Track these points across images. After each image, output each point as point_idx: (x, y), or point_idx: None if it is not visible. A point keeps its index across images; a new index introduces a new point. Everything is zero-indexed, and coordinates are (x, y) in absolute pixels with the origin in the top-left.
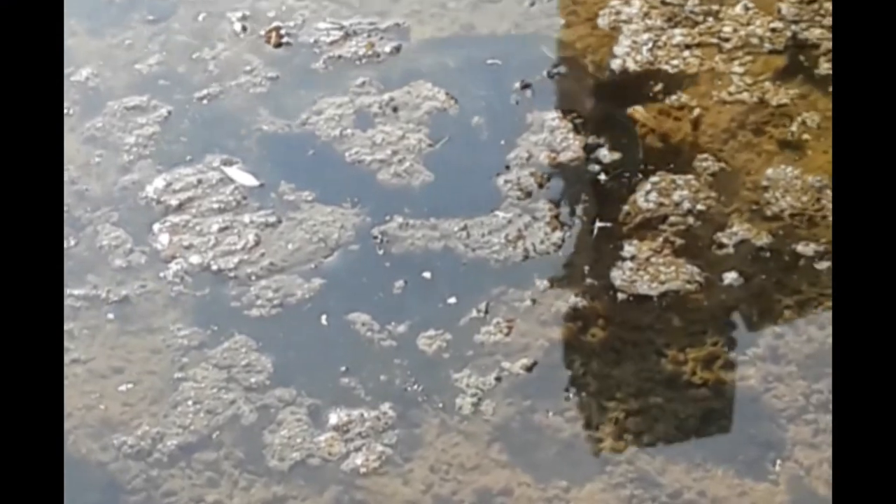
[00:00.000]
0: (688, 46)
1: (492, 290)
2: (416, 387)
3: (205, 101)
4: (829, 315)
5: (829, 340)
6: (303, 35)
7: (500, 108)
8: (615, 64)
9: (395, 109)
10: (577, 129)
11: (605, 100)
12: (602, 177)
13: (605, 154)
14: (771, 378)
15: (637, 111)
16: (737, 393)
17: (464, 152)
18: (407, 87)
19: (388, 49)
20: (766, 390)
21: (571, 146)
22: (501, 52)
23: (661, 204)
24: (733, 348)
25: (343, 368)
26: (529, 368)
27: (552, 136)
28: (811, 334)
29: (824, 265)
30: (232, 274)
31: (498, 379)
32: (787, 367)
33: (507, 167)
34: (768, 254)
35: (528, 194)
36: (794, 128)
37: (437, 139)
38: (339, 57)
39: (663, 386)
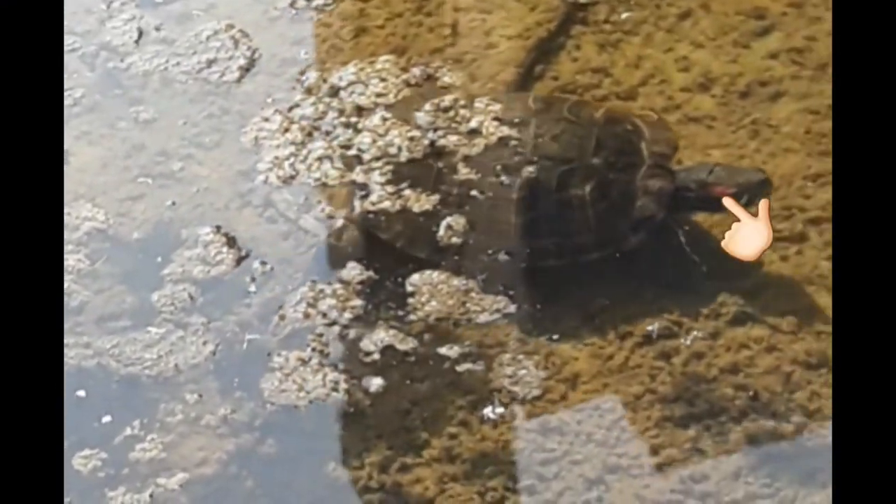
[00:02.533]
0: (328, 159)
1: (145, 406)
2: None
3: None
4: (493, 410)
5: (502, 437)
6: None
7: (155, 223)
8: (259, 178)
9: None
10: (230, 243)
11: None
12: (253, 289)
13: (256, 266)
14: (446, 478)
15: None
16: (413, 494)
17: (120, 269)
18: (67, 209)
19: None
20: (441, 491)
21: (225, 260)
22: None
23: (308, 315)
24: (409, 452)
25: None
26: (184, 485)
27: (206, 250)
28: (485, 433)
29: (466, 366)
30: None
31: (151, 496)
32: (462, 465)
33: (162, 282)
34: (413, 358)
35: (182, 309)
36: (441, 232)
37: (96, 258)
38: None
39: (341, 492)
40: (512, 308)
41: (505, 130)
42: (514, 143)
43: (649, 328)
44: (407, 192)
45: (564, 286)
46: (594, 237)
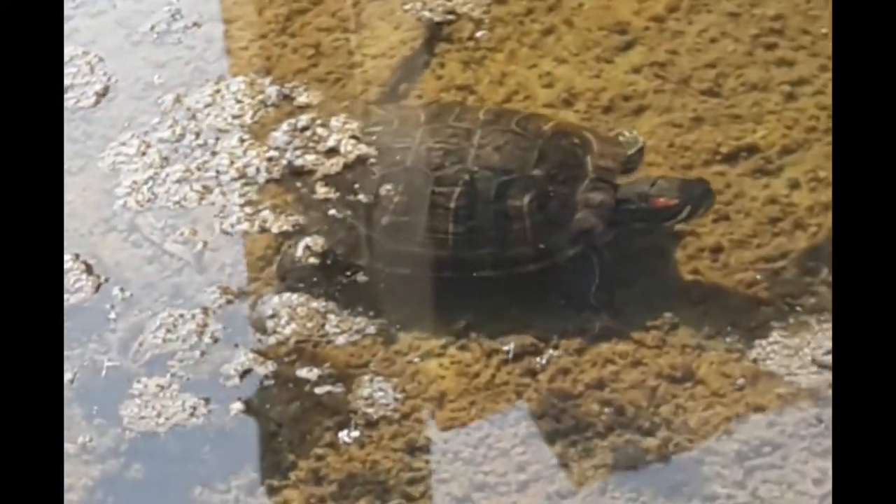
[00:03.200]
0: (186, 181)
1: None
2: None
3: None
4: (349, 433)
5: (370, 458)
6: None
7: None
8: (118, 204)
9: None
10: (88, 270)
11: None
12: (113, 315)
13: (116, 293)
14: (314, 500)
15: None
16: None
17: None
18: None
19: None
20: None
21: (84, 287)
22: None
23: (168, 339)
24: (275, 474)
25: None
26: None
27: (65, 278)
28: (353, 454)
29: (325, 388)
30: None
31: None
32: (329, 487)
33: None
34: (272, 381)
35: None
36: (299, 253)
37: None
38: None
39: None
40: (372, 329)
41: (363, 149)
42: (451, 153)
43: (505, 348)
44: (265, 213)
45: (428, 304)
46: (531, 249)
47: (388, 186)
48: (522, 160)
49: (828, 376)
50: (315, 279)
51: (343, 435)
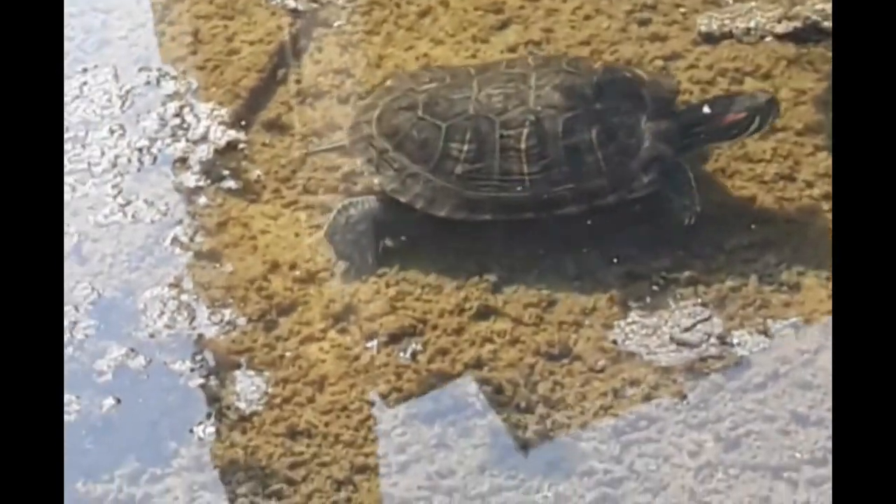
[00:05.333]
0: None
1: None
2: None
3: None
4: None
5: (251, 443)
6: None
7: None
8: None
9: None
10: None
11: None
12: None
13: None
14: (196, 487)
15: None
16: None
17: None
18: None
19: None
20: (191, 500)
21: None
22: None
23: None
24: (158, 462)
25: None
26: None
27: None
28: (234, 440)
29: (197, 381)
30: None
31: None
32: (212, 473)
33: None
34: (145, 376)
35: None
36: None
37: None
38: None
39: None
40: (242, 321)
41: (232, 134)
42: (512, 97)
43: (368, 345)
44: (139, 203)
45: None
46: (607, 180)
47: (456, 137)
48: (582, 96)
49: (687, 354)
50: (363, 241)
51: (198, 430)
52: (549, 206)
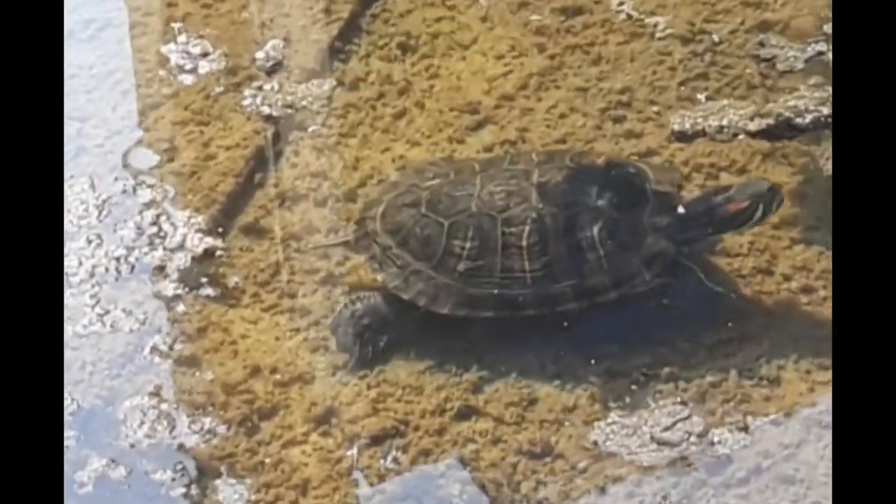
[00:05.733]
0: None
1: None
2: None
3: None
4: None
5: None
6: None
7: None
8: None
9: None
10: None
11: None
12: None
13: None
14: None
15: None
16: None
17: None
18: None
19: None
20: None
21: None
22: None
23: None
24: None
25: None
26: None
27: None
28: None
29: (179, 490)
30: None
31: None
32: None
33: None
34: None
35: None
36: None
37: None
38: None
39: None
40: (223, 427)
41: (209, 241)
42: (514, 194)
43: (349, 453)
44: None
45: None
46: (609, 277)
47: (459, 234)
48: (585, 192)
49: (668, 453)
50: (366, 335)
51: None
52: (550, 303)
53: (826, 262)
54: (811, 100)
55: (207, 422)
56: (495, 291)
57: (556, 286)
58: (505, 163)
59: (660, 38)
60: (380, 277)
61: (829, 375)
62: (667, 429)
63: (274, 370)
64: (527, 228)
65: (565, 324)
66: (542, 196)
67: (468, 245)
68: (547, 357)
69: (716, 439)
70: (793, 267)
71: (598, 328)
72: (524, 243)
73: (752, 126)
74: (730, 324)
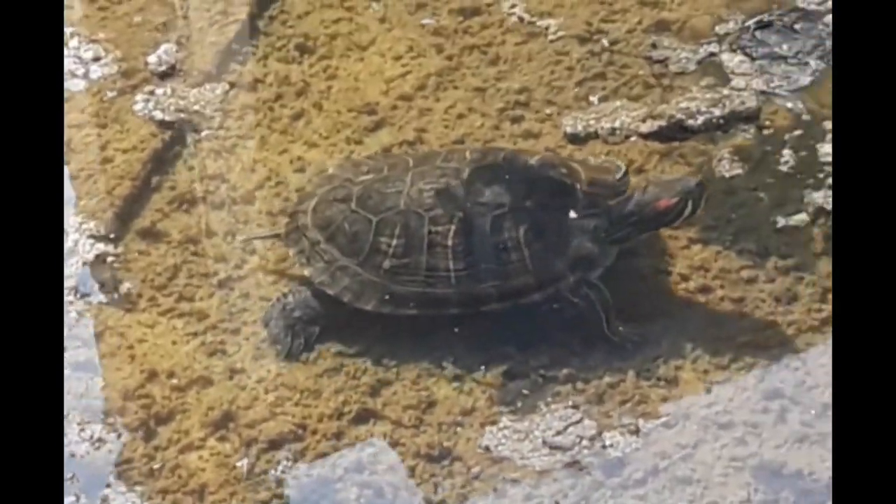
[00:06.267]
0: None
1: None
2: None
3: None
4: None
5: None
6: None
7: None
8: None
9: None
10: None
11: None
12: None
13: None
14: None
15: None
16: None
17: None
18: None
19: None
20: None
21: None
22: None
23: None
24: None
25: None
26: None
27: None
28: None
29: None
30: None
31: None
32: None
33: None
34: None
35: None
36: None
37: None
38: None
39: None
40: (118, 434)
41: (101, 247)
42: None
43: (238, 463)
44: None
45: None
46: (533, 278)
47: (386, 231)
48: (513, 193)
49: (560, 457)
50: (296, 328)
51: None
52: (474, 303)
53: (723, 262)
54: (703, 101)
55: (98, 429)
56: (420, 289)
57: (480, 286)
58: (438, 160)
59: (557, 39)
60: (306, 272)
61: (725, 375)
62: (558, 433)
63: (171, 374)
64: (453, 227)
65: (456, 329)
66: (470, 195)
67: (395, 242)
68: (446, 359)
69: (608, 442)
70: (690, 267)
71: (497, 330)
72: (450, 242)
73: (645, 128)
74: (630, 322)
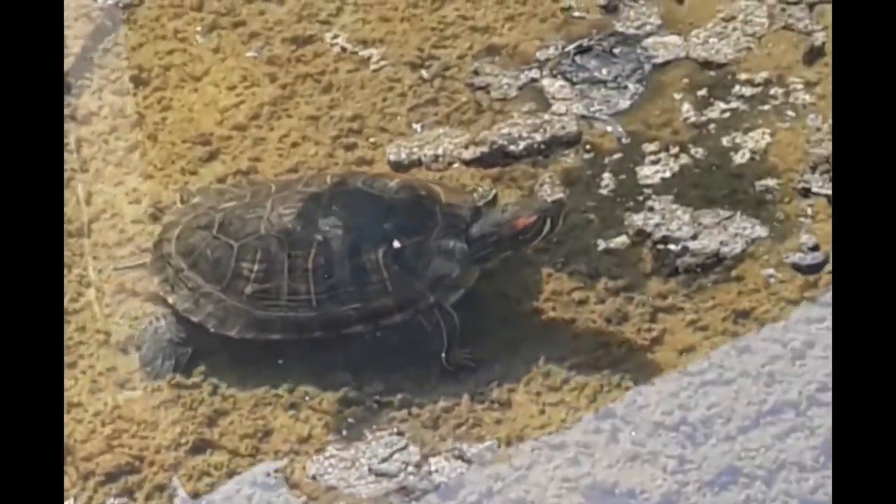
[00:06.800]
0: None
1: None
2: None
3: None
4: None
5: None
6: None
7: None
8: None
9: None
10: None
11: None
12: None
13: None
14: None
15: None
16: None
17: None
18: None
19: None
20: None
21: None
22: None
23: None
24: None
25: None
26: None
27: None
28: None
29: None
30: None
31: None
32: None
33: None
34: None
35: None
36: None
37: None
38: None
39: None
40: None
41: None
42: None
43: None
44: None
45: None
46: (393, 300)
47: (247, 256)
48: (372, 215)
49: (386, 484)
50: (168, 351)
51: None
52: (335, 326)
53: (554, 284)
54: (524, 127)
55: None
56: (282, 314)
57: (340, 309)
58: (299, 185)
59: (379, 68)
60: (170, 300)
61: (558, 396)
62: (384, 460)
63: None
64: (313, 251)
65: (282, 357)
66: (328, 218)
67: (256, 268)
68: (282, 386)
69: (433, 468)
70: (522, 289)
71: (334, 356)
72: (310, 266)
73: (467, 154)
74: (461, 349)
